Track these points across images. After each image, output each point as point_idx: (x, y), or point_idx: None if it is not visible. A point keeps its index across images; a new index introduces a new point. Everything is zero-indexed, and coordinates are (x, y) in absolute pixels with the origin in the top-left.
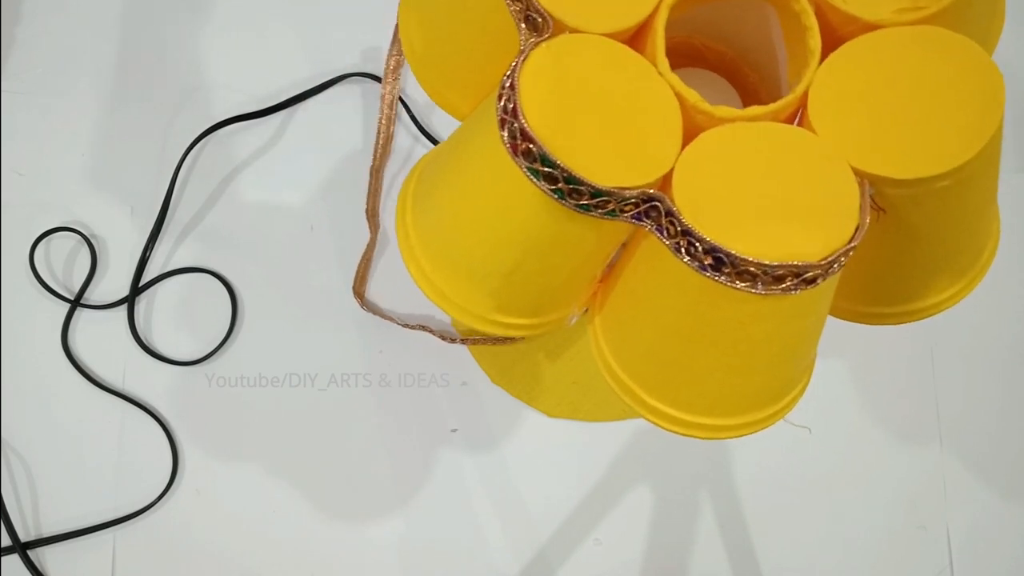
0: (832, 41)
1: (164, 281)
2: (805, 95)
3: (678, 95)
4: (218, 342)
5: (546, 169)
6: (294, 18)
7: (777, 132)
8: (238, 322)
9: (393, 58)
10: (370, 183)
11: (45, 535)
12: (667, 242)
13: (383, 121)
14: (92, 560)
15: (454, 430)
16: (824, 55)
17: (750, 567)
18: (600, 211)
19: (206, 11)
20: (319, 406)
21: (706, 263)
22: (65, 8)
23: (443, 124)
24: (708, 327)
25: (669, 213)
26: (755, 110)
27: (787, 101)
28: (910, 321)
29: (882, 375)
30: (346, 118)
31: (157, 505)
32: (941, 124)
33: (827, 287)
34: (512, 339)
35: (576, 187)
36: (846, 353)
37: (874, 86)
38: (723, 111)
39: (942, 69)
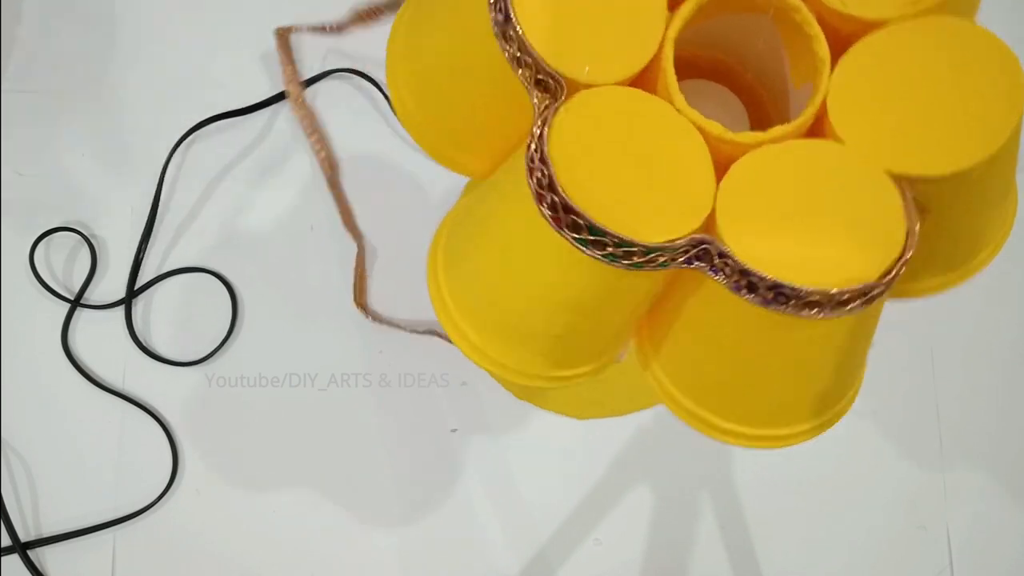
0: (835, 43)
1: (164, 281)
2: (823, 105)
3: (700, 129)
4: (218, 342)
5: (594, 237)
6: (277, 14)
7: (807, 149)
8: (238, 322)
9: (292, 85)
10: (334, 196)
11: (45, 535)
12: (725, 282)
13: (314, 144)
14: (92, 560)
15: (454, 430)
16: (831, 59)
17: (750, 567)
18: (652, 265)
19: (194, 7)
20: (319, 406)
21: (769, 298)
22: (65, 8)
23: None
24: (773, 351)
25: (722, 254)
26: (779, 130)
27: (807, 115)
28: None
29: (882, 375)
30: (332, 114)
31: (157, 505)
32: (968, 113)
33: (876, 307)
34: None
35: (627, 249)
36: None
37: (892, 85)
38: (748, 137)
39: (957, 57)
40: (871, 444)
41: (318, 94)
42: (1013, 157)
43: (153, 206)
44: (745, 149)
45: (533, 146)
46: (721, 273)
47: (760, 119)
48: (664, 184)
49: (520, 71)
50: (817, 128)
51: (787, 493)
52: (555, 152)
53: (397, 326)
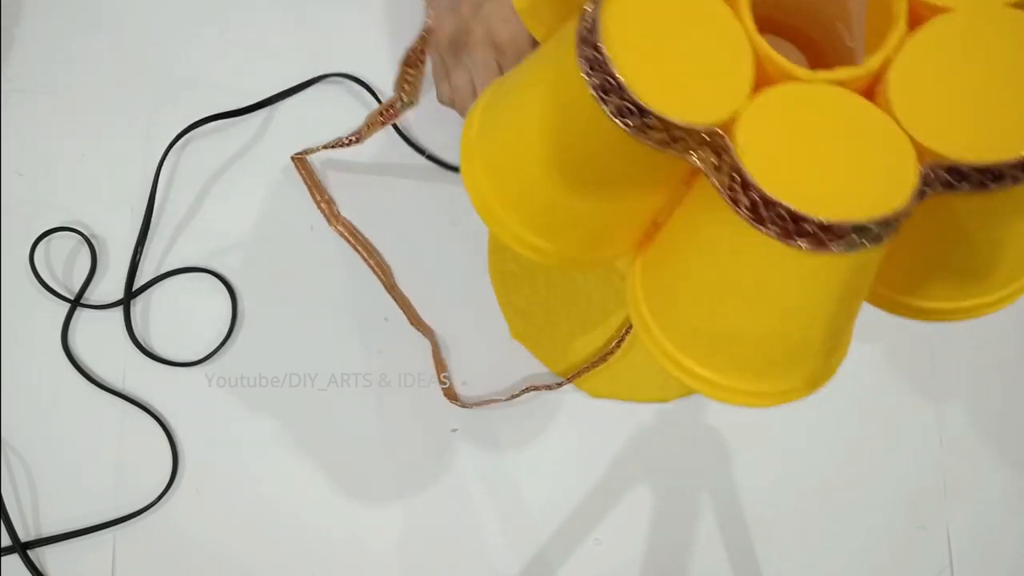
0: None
1: (164, 281)
2: (883, 67)
3: (753, 43)
4: (218, 342)
5: (622, 103)
6: (271, 17)
7: (844, 99)
8: (238, 322)
9: (324, 204)
10: (394, 298)
11: (45, 535)
12: (718, 184)
13: (362, 254)
14: (92, 560)
15: (454, 430)
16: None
17: (750, 567)
18: (659, 140)
19: (191, 8)
20: (319, 406)
21: (763, 217)
22: (65, 8)
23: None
24: (755, 285)
25: (732, 162)
26: (828, 74)
27: (861, 71)
28: (949, 320)
29: (882, 375)
30: (328, 117)
31: (157, 505)
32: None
33: (876, 255)
34: (604, 360)
35: (651, 122)
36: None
37: (963, 64)
38: (795, 69)
39: None
40: (871, 444)
41: (310, 99)
42: None
43: (148, 207)
44: (788, 79)
45: (586, 27)
46: (719, 176)
47: None
48: (700, 74)
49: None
50: (868, 92)
51: (787, 493)
52: (608, 17)
53: (495, 401)
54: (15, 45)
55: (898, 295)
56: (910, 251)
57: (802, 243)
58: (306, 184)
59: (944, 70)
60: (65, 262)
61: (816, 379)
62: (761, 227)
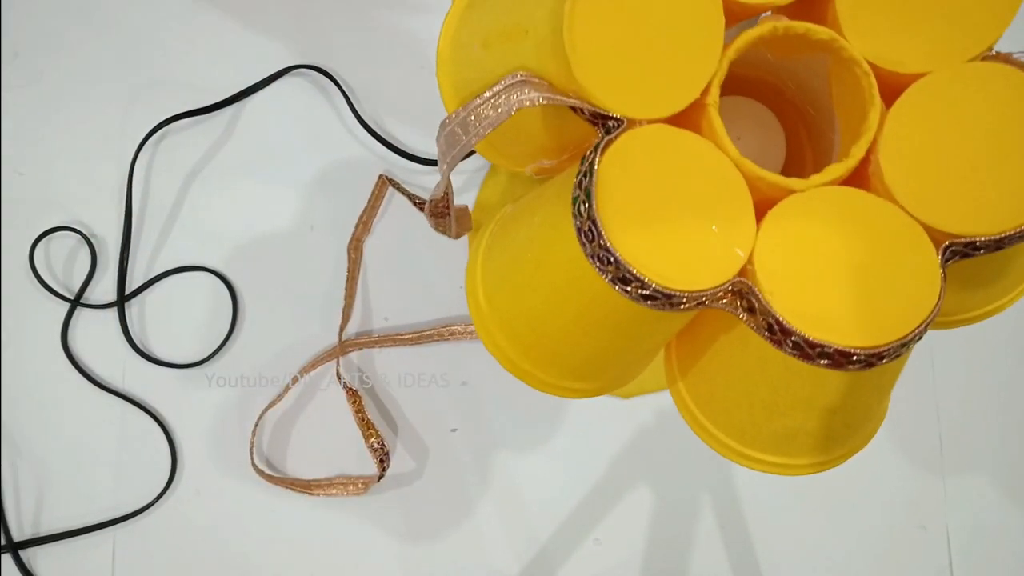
0: (882, 90)
1: (164, 280)
2: (872, 144)
3: (743, 170)
4: (218, 342)
5: (645, 291)
6: (231, 11)
7: (848, 198)
8: (238, 322)
9: (363, 226)
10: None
11: (45, 534)
12: (757, 328)
13: (346, 294)
14: (92, 559)
15: (454, 430)
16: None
17: (750, 567)
18: (690, 307)
19: (197, 7)
20: (319, 406)
21: (789, 347)
22: (65, 7)
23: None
24: (797, 390)
25: (760, 303)
26: (823, 176)
27: (851, 163)
28: (973, 323)
29: None
30: (296, 110)
31: (157, 504)
32: (1017, 167)
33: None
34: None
35: (670, 298)
36: None
37: (950, 131)
38: (790, 182)
39: (1006, 107)
40: (871, 444)
41: (278, 92)
42: None
43: (127, 207)
44: (787, 192)
45: (582, 198)
46: (753, 319)
47: (799, 139)
48: (706, 229)
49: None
50: (859, 172)
51: (787, 493)
52: (603, 207)
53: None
54: (14, 44)
55: None
56: None
57: (852, 368)
58: (369, 202)
59: (933, 143)
60: (65, 261)
61: (875, 430)
62: (810, 363)
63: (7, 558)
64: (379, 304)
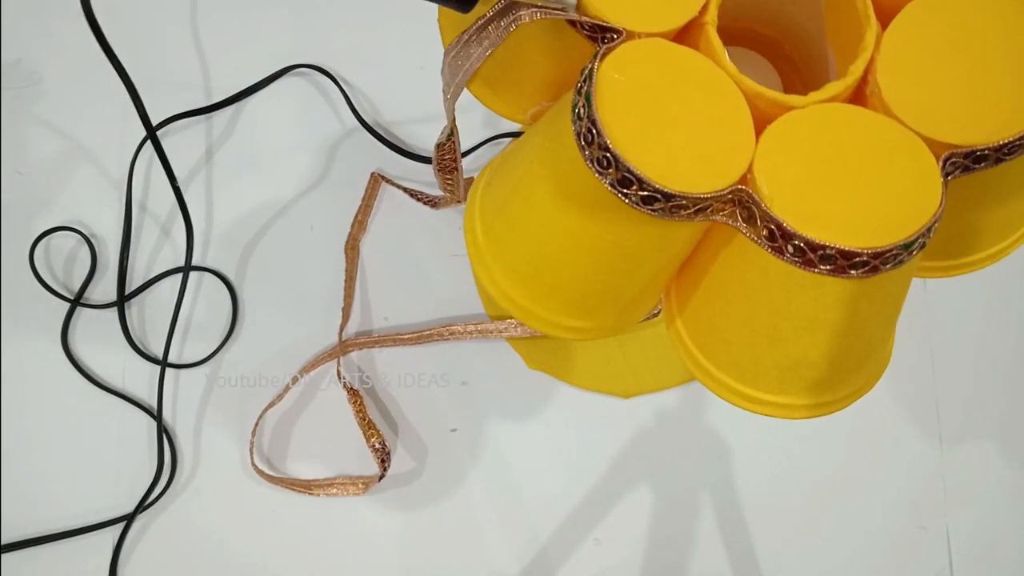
0: (879, 14)
1: (164, 280)
2: (870, 65)
3: (743, 87)
4: (218, 342)
5: (645, 192)
6: (231, 11)
7: (845, 114)
8: (238, 322)
9: (358, 226)
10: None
11: (45, 533)
12: (756, 238)
13: (344, 296)
14: (92, 558)
15: (454, 430)
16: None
17: (750, 567)
18: (689, 215)
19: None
20: (319, 406)
21: (790, 252)
22: (64, 7)
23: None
24: (814, 314)
25: (758, 208)
26: (822, 93)
27: (853, 75)
28: (971, 271)
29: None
30: (295, 109)
31: (157, 504)
32: (1017, 78)
33: (912, 261)
34: None
35: (676, 203)
36: None
37: (941, 49)
38: (790, 98)
39: (1009, 18)
40: (871, 444)
41: (278, 92)
42: None
43: (127, 209)
44: (785, 109)
45: (581, 103)
46: (753, 228)
47: (794, 89)
48: (706, 136)
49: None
50: (857, 95)
51: (787, 493)
52: (603, 108)
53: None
54: (14, 44)
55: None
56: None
57: (854, 272)
58: (363, 201)
59: (930, 59)
60: (65, 261)
61: (878, 372)
62: (812, 269)
63: (9, 557)
64: (379, 304)
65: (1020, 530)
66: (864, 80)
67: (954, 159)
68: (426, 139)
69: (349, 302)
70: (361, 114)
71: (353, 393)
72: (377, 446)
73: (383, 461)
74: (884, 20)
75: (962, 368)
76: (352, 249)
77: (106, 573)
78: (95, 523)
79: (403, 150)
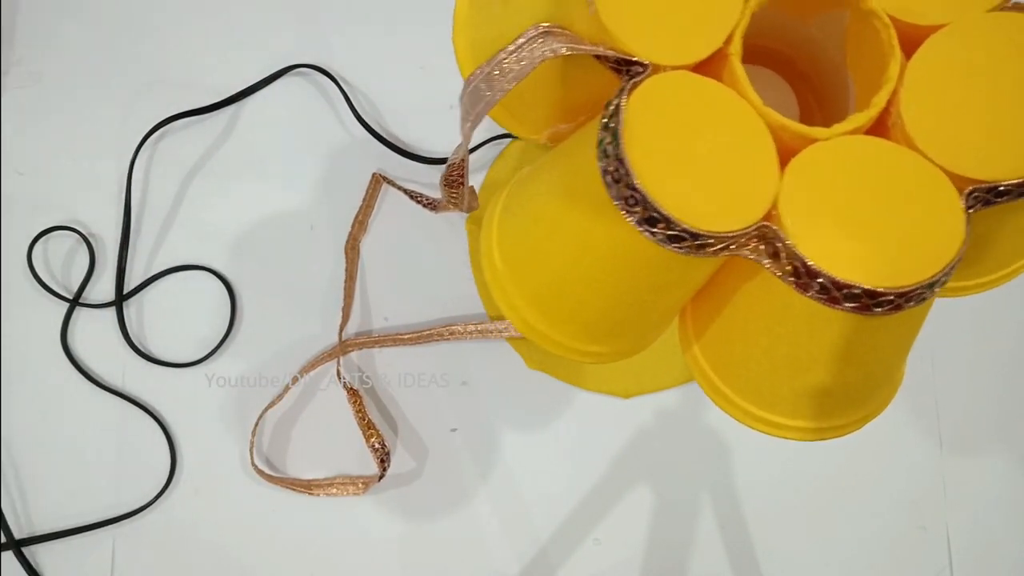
0: (902, 43)
1: (163, 279)
2: (893, 96)
3: (767, 120)
4: (217, 342)
5: (671, 231)
6: (231, 11)
7: (868, 146)
8: (237, 321)
9: (359, 226)
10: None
11: (44, 532)
12: (781, 274)
13: (345, 294)
14: (92, 558)
15: (454, 430)
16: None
17: (750, 567)
18: (714, 252)
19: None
20: (318, 406)
21: (815, 290)
22: (65, 7)
23: (400, 126)
24: (819, 345)
25: (783, 245)
26: (846, 124)
27: (873, 112)
28: (990, 288)
29: None
30: (295, 109)
31: (156, 504)
32: None
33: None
34: None
35: (697, 241)
36: None
37: (964, 82)
38: (814, 131)
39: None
40: (871, 444)
41: (277, 92)
42: None
43: (126, 206)
44: (810, 141)
45: (607, 139)
46: (777, 264)
47: (810, 109)
48: (731, 172)
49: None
50: (879, 125)
51: (787, 493)
52: (631, 147)
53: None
54: (14, 44)
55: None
56: None
57: (878, 311)
58: (364, 199)
59: (954, 91)
60: (64, 261)
61: (891, 395)
62: (837, 306)
63: (8, 556)
64: (379, 304)
65: (1020, 530)
66: (887, 111)
67: (976, 193)
68: (426, 139)
69: (349, 302)
70: (361, 114)
71: (353, 393)
72: (377, 446)
73: (383, 461)
74: (908, 50)
75: (962, 368)
76: (352, 249)
77: (106, 573)
78: (95, 521)
79: (403, 150)
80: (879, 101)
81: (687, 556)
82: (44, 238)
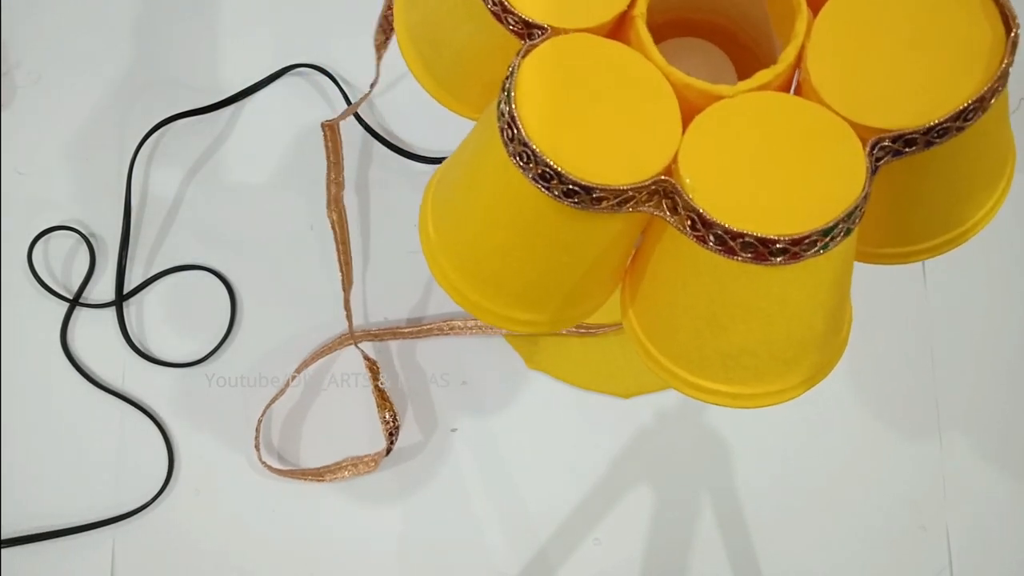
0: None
1: (163, 279)
2: (799, 55)
3: (671, 78)
4: (217, 342)
5: (565, 186)
6: (231, 11)
7: (773, 102)
8: (237, 321)
9: (334, 185)
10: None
11: (44, 531)
12: (681, 227)
13: (340, 258)
14: (91, 557)
15: (454, 430)
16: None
17: (750, 567)
18: (612, 207)
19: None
20: (318, 406)
21: (712, 241)
22: (65, 8)
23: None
24: (746, 303)
25: (683, 200)
26: (751, 81)
27: (780, 68)
28: (937, 255)
29: (882, 375)
30: (295, 109)
31: (155, 503)
32: (943, 62)
33: (844, 247)
34: None
35: (596, 196)
36: (846, 353)
37: (871, 34)
38: (718, 88)
39: (938, 5)
40: (871, 444)
41: (277, 91)
42: (1001, 110)
43: (126, 208)
44: (714, 99)
45: (503, 99)
46: (678, 218)
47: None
48: (629, 128)
49: (504, 16)
50: (796, 83)
51: (787, 493)
52: (521, 104)
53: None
54: (14, 44)
55: (884, 248)
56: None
57: (776, 260)
58: (328, 157)
59: (859, 44)
60: (64, 261)
61: (830, 362)
62: (734, 257)
63: (9, 553)
64: (379, 303)
65: (1020, 530)
66: (797, 67)
67: (884, 143)
68: (426, 139)
69: (348, 269)
70: (361, 114)
71: (372, 364)
72: (388, 419)
73: (391, 435)
74: (816, 7)
75: (962, 367)
76: (336, 211)
77: (106, 572)
78: (94, 521)
79: (403, 150)
80: (787, 56)
81: (687, 556)
82: (44, 238)
